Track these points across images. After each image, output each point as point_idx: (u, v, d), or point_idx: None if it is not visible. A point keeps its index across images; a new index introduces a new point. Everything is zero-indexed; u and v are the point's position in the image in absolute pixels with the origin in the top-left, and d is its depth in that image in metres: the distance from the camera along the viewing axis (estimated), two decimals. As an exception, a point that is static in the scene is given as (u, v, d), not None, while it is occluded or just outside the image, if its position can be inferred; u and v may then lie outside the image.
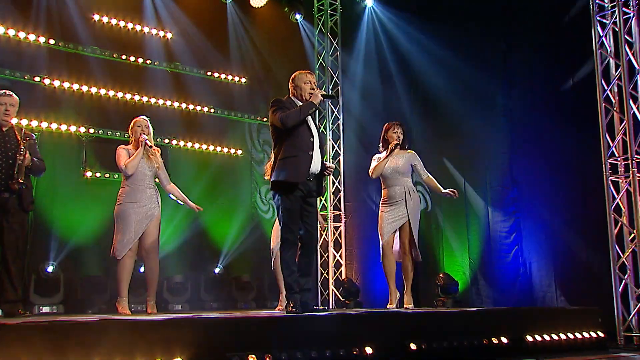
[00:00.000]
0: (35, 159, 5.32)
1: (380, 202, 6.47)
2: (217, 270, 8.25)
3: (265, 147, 9.36)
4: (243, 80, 9.22)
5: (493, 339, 4.65)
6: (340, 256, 9.38)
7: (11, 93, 5.34)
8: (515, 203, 7.23)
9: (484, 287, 7.44)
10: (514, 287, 7.11)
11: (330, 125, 9.77)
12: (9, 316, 5.03)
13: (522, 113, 7.29)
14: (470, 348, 4.45)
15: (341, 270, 9.31)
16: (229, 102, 9.07)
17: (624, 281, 5.92)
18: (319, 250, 9.49)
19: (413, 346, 4.17)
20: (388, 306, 6.27)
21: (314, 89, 4.96)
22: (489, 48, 7.71)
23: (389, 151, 6.39)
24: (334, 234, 9.51)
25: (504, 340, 4.70)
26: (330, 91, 4.78)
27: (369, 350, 3.96)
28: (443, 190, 6.48)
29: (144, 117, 6.20)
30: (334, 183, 9.60)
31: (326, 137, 9.73)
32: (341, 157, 9.60)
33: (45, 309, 6.74)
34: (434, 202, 8.18)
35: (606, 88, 6.24)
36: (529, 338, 4.90)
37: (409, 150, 6.55)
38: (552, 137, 6.95)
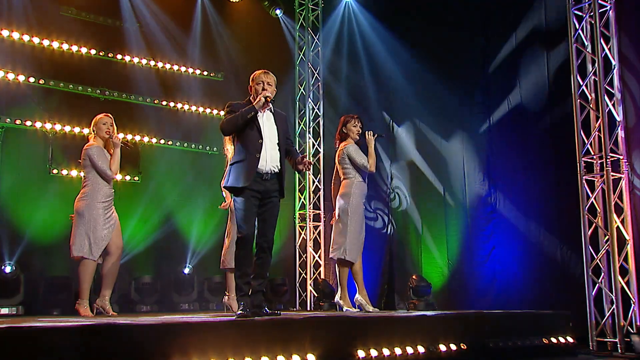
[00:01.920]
0: None
1: (356, 193, 6.06)
2: (186, 270, 8.04)
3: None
4: (219, 75, 9.00)
5: (451, 344, 4.43)
6: (319, 256, 9.17)
7: None
8: (492, 203, 7.01)
9: (460, 289, 7.23)
10: (491, 290, 6.90)
11: (311, 123, 9.57)
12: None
13: (500, 110, 7.07)
14: (424, 355, 4.23)
15: (320, 271, 9.10)
16: (205, 98, 8.85)
17: (597, 284, 5.70)
18: (297, 249, 9.31)
19: (361, 353, 3.96)
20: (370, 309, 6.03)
21: (265, 90, 4.77)
22: (467, 43, 7.51)
23: (371, 141, 6.13)
24: (313, 233, 9.30)
25: (463, 346, 4.49)
26: (268, 97, 4.65)
27: (310, 357, 3.75)
28: None
29: (109, 115, 6.02)
30: (313, 182, 9.40)
31: (306, 135, 9.54)
32: (321, 155, 9.39)
33: (4, 311, 6.53)
34: (412, 202, 7.96)
35: (581, 83, 6.02)
36: (491, 344, 4.68)
37: None
38: (529, 134, 6.74)
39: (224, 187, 4.82)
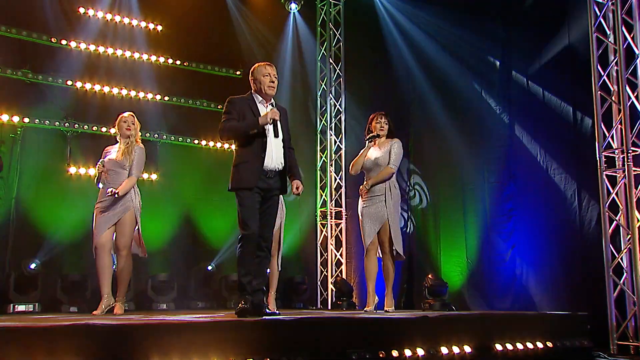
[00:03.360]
0: None
1: (360, 196, 6.16)
2: (210, 267, 7.98)
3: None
4: (238, 72, 8.94)
5: (454, 347, 4.25)
6: (340, 254, 9.04)
7: None
8: (512, 199, 6.77)
9: (480, 289, 7.00)
10: (511, 290, 6.66)
11: (332, 119, 9.44)
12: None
13: (521, 102, 6.82)
14: (423, 357, 4.07)
15: (341, 269, 8.97)
16: (223, 95, 8.73)
17: (619, 285, 5.42)
18: (318, 247, 9.20)
19: (353, 356, 3.82)
20: (366, 309, 5.96)
21: (273, 82, 4.71)
22: (488, 37, 7.26)
23: (367, 144, 6.09)
24: (335, 230, 9.18)
25: (467, 349, 4.31)
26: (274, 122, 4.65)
27: (299, 360, 3.64)
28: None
29: (131, 113, 6.02)
30: (335, 179, 9.27)
31: (327, 131, 9.42)
32: (343, 152, 9.25)
33: (21, 308, 6.61)
34: (432, 199, 7.76)
35: (603, 73, 5.73)
36: (498, 347, 4.48)
37: (394, 139, 6.21)
38: (551, 129, 6.48)
39: (229, 190, 4.70)
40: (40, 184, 7.35)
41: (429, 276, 6.79)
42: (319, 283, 9.11)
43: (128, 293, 7.27)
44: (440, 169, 7.69)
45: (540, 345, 4.68)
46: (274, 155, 4.65)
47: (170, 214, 8.01)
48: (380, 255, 6.10)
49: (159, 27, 8.38)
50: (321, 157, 9.47)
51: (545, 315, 5.04)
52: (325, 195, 9.28)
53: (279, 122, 4.66)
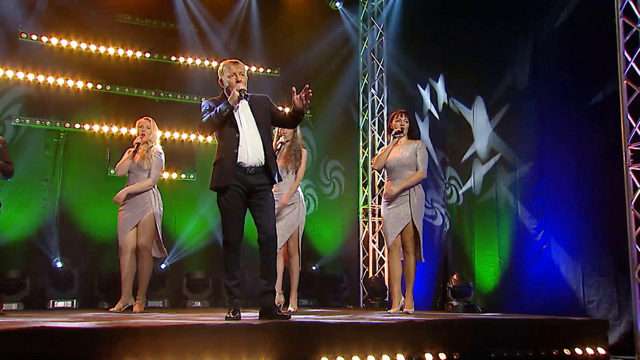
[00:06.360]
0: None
1: (383, 196, 6.08)
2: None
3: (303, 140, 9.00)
4: (276, 71, 8.98)
5: (440, 354, 4.08)
6: (383, 252, 8.90)
7: None
8: (543, 196, 6.41)
9: (511, 291, 6.69)
10: (542, 292, 6.32)
11: (375, 114, 9.30)
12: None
13: (551, 99, 6.44)
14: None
15: (384, 267, 8.83)
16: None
17: (645, 290, 5.02)
18: (361, 246, 9.11)
19: (325, 361, 3.75)
20: (390, 310, 5.87)
21: (240, 81, 4.48)
22: (516, 28, 6.91)
23: (391, 141, 5.96)
24: (377, 228, 9.05)
25: (456, 355, 4.11)
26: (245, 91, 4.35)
27: (264, 365, 3.60)
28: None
29: (147, 118, 6.22)
30: (377, 176, 9.14)
31: (369, 128, 9.30)
32: (385, 148, 9.08)
33: (60, 304, 6.97)
34: (466, 196, 7.49)
35: (630, 59, 5.30)
36: (493, 355, 4.25)
37: (417, 140, 6.07)
38: (582, 124, 6.07)
39: (210, 189, 4.64)
40: (83, 186, 7.72)
41: (454, 277, 6.57)
42: (361, 281, 9.02)
43: (164, 291, 7.54)
44: (475, 164, 7.40)
45: (543, 353, 4.40)
46: (250, 151, 4.40)
47: (207, 213, 8.15)
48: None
49: (195, 29, 8.53)
50: (363, 154, 9.37)
51: (557, 320, 4.72)
52: (367, 192, 9.17)
53: (245, 95, 4.41)
